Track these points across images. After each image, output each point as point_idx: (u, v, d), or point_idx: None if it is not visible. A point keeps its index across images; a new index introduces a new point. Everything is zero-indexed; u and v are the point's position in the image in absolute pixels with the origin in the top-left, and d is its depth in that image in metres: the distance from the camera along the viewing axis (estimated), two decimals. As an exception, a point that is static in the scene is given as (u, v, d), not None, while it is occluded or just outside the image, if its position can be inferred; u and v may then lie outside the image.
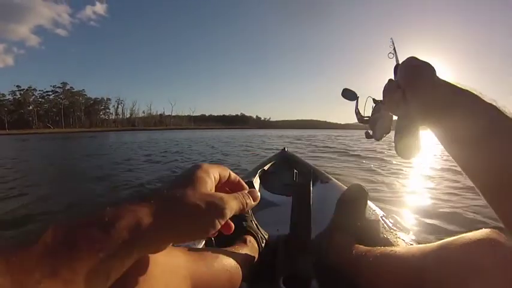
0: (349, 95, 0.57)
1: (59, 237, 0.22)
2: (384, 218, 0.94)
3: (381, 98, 0.47)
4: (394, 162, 5.38)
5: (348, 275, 0.63)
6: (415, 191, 2.95)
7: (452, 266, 0.38)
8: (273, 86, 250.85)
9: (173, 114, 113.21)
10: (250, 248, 0.70)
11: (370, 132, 0.54)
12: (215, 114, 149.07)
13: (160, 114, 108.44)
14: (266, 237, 0.81)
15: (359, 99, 0.56)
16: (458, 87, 0.37)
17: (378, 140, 0.52)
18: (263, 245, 0.76)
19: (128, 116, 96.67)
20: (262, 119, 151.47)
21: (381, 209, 1.07)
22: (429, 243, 0.47)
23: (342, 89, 0.58)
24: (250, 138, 17.70)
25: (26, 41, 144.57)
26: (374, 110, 0.53)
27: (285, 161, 2.06)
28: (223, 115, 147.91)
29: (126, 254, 0.24)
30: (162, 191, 0.28)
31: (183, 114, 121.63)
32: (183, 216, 0.27)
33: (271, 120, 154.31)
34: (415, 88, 0.41)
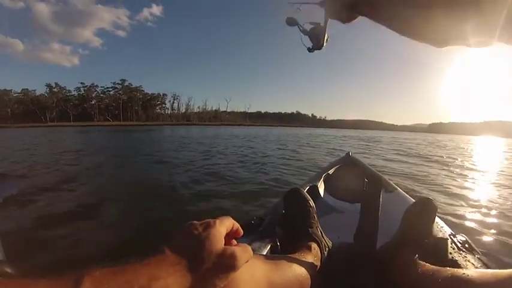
0: (291, 21, 0.60)
1: None
2: (452, 236, 0.87)
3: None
4: (469, 173, 4.81)
5: None
6: (490, 209, 2.60)
7: None
8: (330, 85, 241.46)
9: (228, 110, 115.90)
10: (314, 255, 0.69)
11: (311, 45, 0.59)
12: (270, 111, 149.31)
13: (216, 110, 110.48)
14: (329, 245, 0.79)
15: (299, 25, 0.60)
16: None
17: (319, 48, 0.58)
18: (326, 253, 0.74)
19: (184, 111, 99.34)
20: (318, 117, 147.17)
21: (450, 226, 1.00)
22: (503, 269, 0.45)
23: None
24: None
25: (89, 43, 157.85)
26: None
27: (350, 166, 1.99)
28: (279, 112, 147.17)
29: None
30: (184, 249, 0.32)
31: (238, 111, 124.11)
32: (202, 277, 0.31)
33: (326, 119, 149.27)
34: None
